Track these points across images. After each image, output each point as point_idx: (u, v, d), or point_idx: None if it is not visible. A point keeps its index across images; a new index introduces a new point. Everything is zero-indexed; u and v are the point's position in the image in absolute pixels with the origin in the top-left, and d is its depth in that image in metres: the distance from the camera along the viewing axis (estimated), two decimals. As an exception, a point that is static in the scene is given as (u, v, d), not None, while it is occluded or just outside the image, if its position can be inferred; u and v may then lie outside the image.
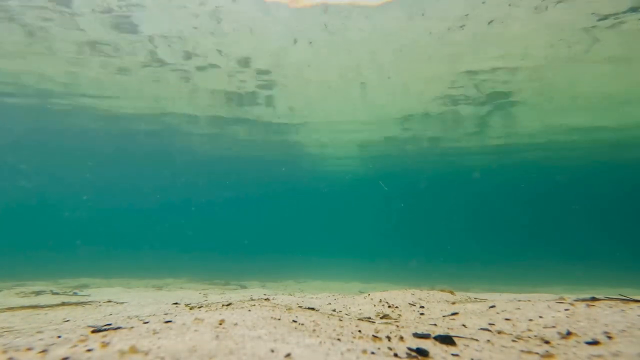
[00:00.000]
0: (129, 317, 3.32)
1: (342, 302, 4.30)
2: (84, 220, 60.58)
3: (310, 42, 9.41)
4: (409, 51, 9.96)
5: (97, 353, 1.65)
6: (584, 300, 3.24)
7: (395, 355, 1.88)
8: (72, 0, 8.05)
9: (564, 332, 2.35)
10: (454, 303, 3.86)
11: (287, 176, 35.07)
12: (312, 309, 3.69)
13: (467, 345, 2.12)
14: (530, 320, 2.67)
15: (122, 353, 1.65)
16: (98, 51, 10.44)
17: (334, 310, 3.86)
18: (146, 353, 1.64)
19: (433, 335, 2.32)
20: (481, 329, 2.56)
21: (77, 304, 4.84)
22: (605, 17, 8.21)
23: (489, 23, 8.38)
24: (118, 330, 2.13)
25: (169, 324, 2.26)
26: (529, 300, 3.45)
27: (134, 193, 47.28)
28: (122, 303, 4.98)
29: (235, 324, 2.30)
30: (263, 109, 15.22)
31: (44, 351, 1.73)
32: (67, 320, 3.51)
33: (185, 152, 24.17)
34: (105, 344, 1.75)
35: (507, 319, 2.77)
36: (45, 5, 8.17)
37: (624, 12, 7.98)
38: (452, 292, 4.58)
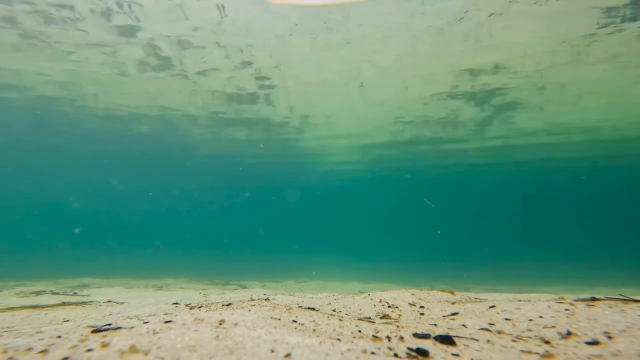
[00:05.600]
0: (129, 317, 3.31)
1: (342, 302, 4.30)
2: (84, 221, 60.59)
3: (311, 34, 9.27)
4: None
5: (97, 353, 1.65)
6: (584, 300, 3.24)
7: (395, 355, 1.88)
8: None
9: (564, 332, 2.35)
10: (454, 303, 3.86)
11: (288, 176, 35.08)
12: (312, 309, 3.69)
13: (467, 345, 2.12)
14: (530, 320, 2.67)
15: (122, 353, 1.65)
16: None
17: (334, 310, 3.86)
18: (146, 353, 1.64)
19: (433, 335, 2.32)
20: (481, 329, 2.56)
21: (77, 304, 4.84)
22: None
23: (490, 15, 8.26)
24: (118, 330, 2.13)
25: (169, 323, 2.26)
26: (529, 300, 3.44)
27: (134, 193, 47.27)
28: (122, 303, 4.98)
29: (235, 324, 2.30)
30: (263, 107, 15.17)
31: (44, 351, 1.73)
32: (67, 320, 3.51)
33: (185, 153, 24.17)
34: (105, 344, 1.75)
35: (507, 319, 2.77)
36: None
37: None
38: (452, 292, 4.58)
